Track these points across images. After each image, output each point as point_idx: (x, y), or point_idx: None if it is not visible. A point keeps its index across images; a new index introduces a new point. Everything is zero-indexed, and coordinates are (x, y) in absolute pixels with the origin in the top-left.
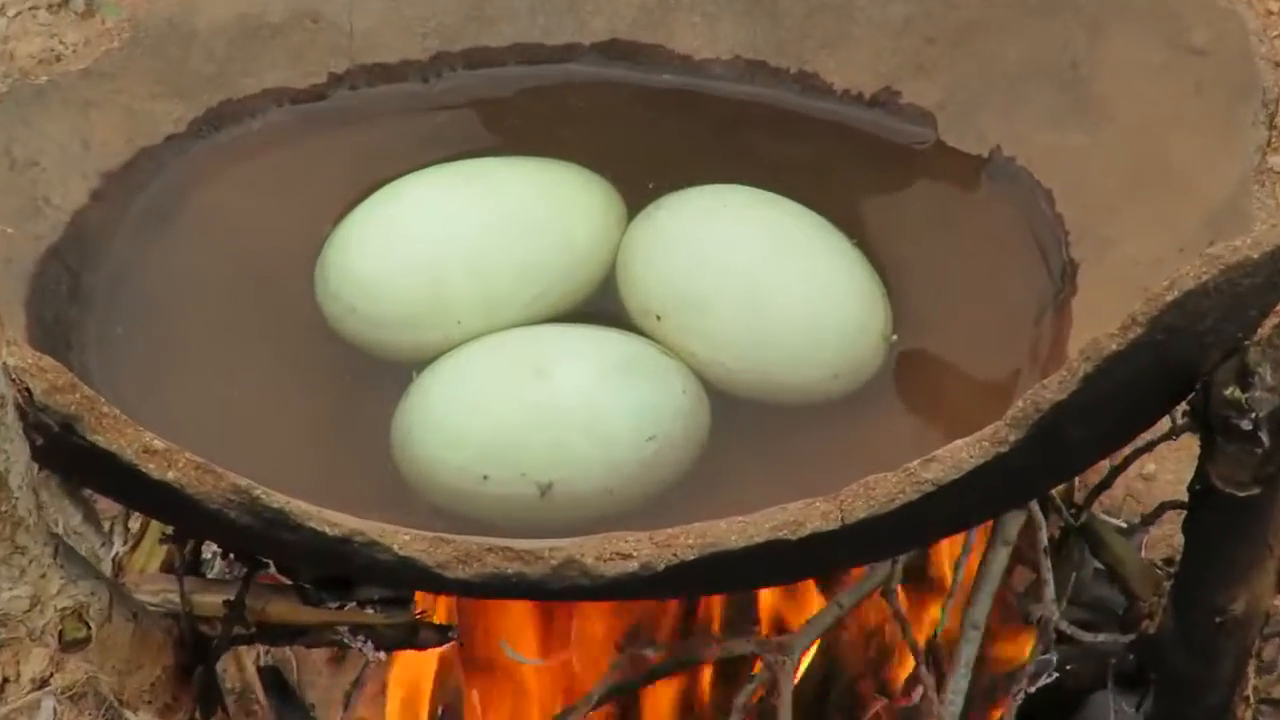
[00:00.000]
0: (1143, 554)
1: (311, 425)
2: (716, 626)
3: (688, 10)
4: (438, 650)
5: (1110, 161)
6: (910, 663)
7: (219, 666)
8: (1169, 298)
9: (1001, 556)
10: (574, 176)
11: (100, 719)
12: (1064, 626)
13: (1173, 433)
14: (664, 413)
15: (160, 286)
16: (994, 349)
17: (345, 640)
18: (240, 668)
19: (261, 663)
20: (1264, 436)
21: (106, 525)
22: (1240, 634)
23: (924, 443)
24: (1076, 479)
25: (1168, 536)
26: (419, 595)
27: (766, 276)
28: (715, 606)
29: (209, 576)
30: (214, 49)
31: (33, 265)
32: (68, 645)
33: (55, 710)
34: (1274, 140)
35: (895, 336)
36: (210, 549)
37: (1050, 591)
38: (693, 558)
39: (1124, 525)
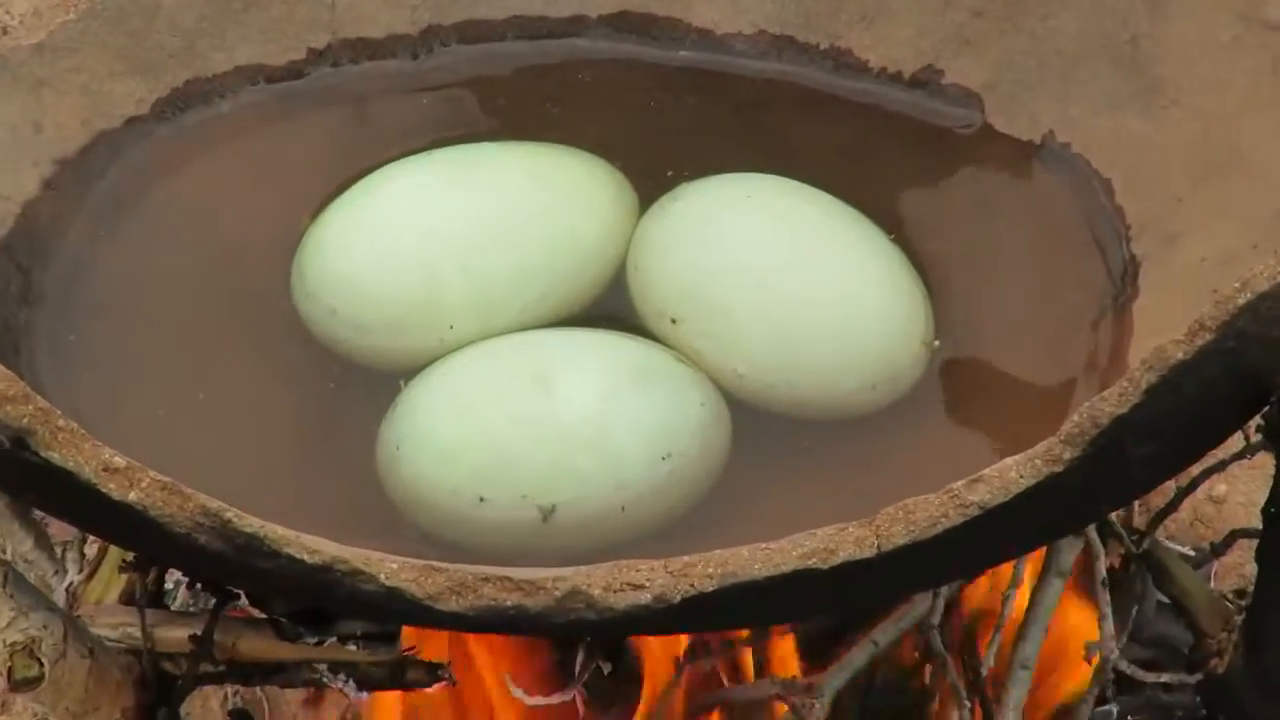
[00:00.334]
0: (1211, 585)
1: (288, 441)
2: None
3: None
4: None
5: (1176, 148)
6: (953, 706)
7: (184, 708)
8: (1241, 300)
9: (1055, 589)
10: (580, 164)
11: None
12: (1123, 666)
13: (1246, 451)
14: (680, 428)
15: (120, 286)
16: (1047, 357)
17: (324, 679)
18: (207, 709)
19: (230, 704)
20: None
21: (60, 551)
22: None
23: (969, 461)
24: (1139, 502)
25: (1239, 565)
26: (407, 630)
27: (795, 276)
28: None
29: (173, 608)
30: (180, 21)
31: None
32: (17, 684)
33: None
34: None
35: (938, 343)
36: (175, 578)
37: (1109, 627)
38: (712, 589)
39: (1191, 553)
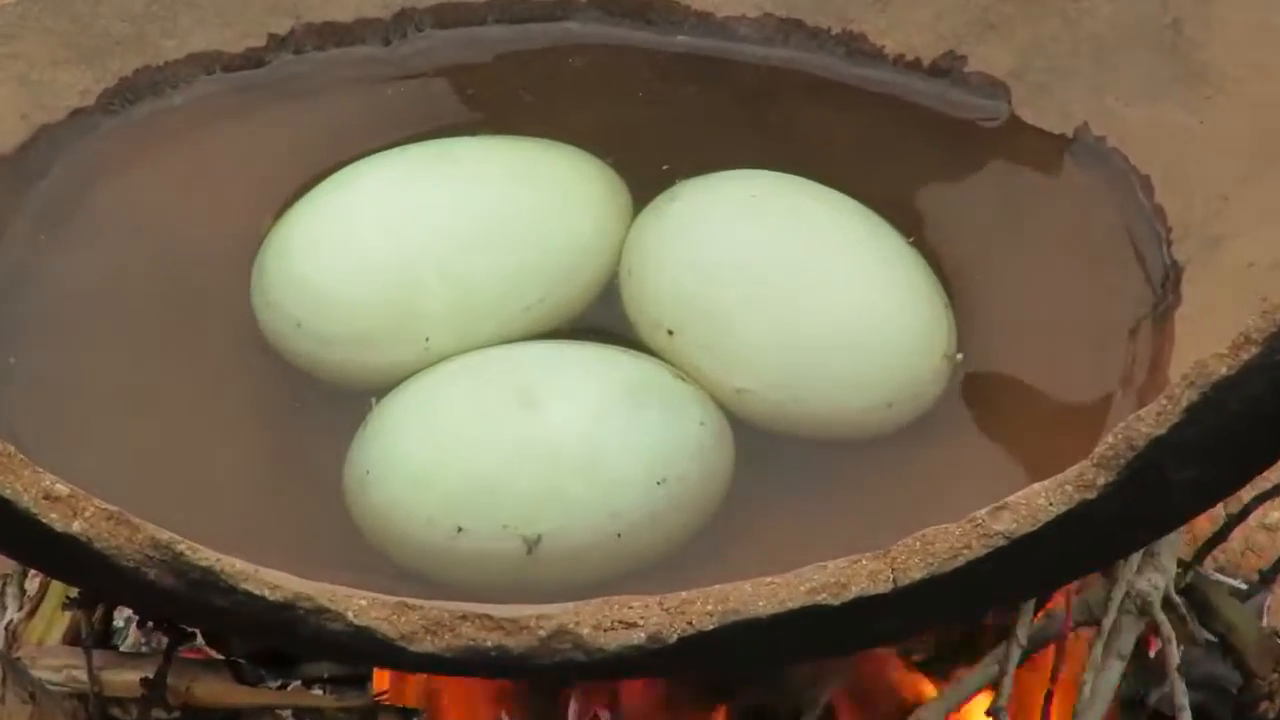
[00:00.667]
0: (1263, 621)
1: (248, 466)
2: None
3: None
4: None
5: (1222, 142)
6: None
7: None
8: None
9: (1114, 671)
10: (568, 161)
11: None
12: (1165, 709)
13: None
14: (678, 450)
15: (63, 295)
16: (1079, 371)
17: None
18: None
19: None
20: None
21: None
22: None
23: (993, 486)
24: (1185, 530)
25: None
26: (378, 673)
27: (804, 283)
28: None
29: (123, 649)
30: (129, 5)
31: None
32: None
33: None
34: None
35: (960, 356)
36: (124, 616)
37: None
38: (712, 627)
39: (1240, 586)
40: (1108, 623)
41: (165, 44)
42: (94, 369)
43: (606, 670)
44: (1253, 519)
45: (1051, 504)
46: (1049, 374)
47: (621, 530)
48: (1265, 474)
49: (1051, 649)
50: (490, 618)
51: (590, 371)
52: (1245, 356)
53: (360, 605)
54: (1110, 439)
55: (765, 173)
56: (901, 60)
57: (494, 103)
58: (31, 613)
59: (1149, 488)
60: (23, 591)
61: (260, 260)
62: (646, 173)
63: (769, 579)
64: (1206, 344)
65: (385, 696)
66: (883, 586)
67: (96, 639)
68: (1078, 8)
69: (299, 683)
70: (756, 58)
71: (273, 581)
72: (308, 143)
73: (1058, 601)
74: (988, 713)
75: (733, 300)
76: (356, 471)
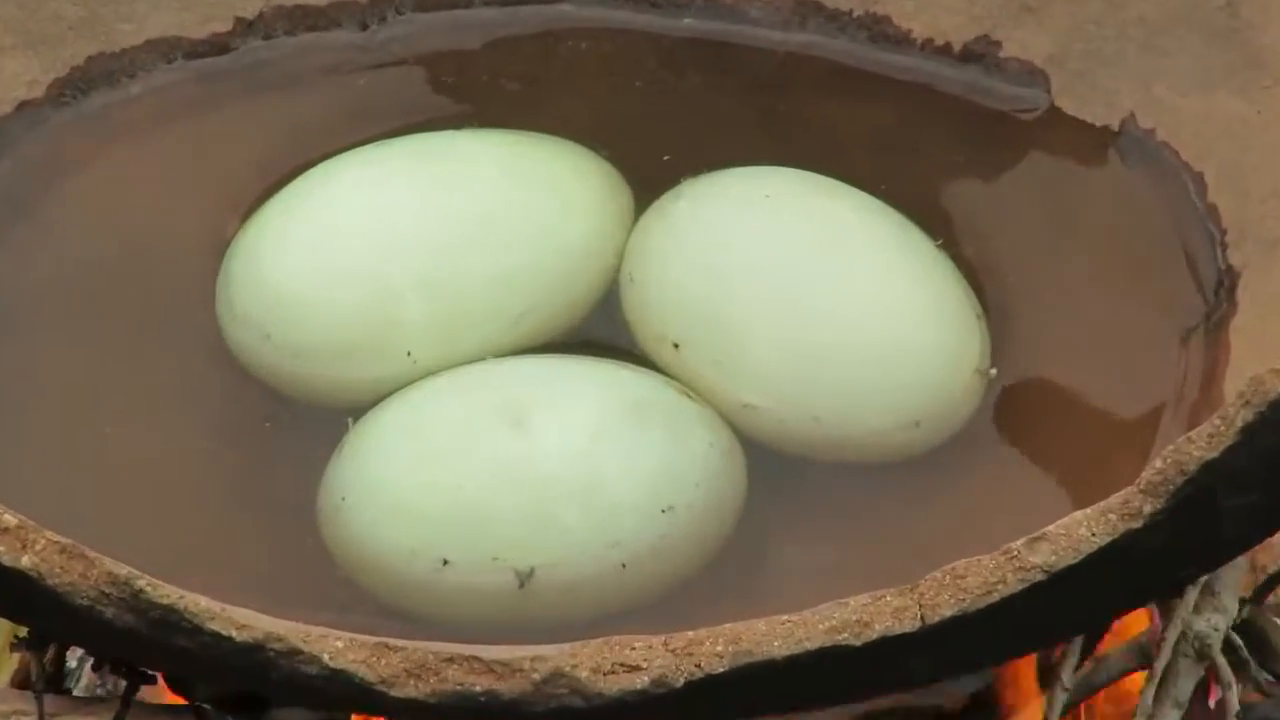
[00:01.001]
0: None
1: (212, 494)
2: None
3: None
4: None
5: None
6: None
7: None
8: None
9: None
10: (564, 156)
11: None
12: None
13: None
14: (684, 475)
15: (11, 303)
16: (1124, 388)
17: None
18: None
19: None
20: None
21: None
22: None
23: (1030, 514)
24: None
25: None
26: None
27: (823, 290)
28: None
29: (76, 693)
30: None
31: None
32: None
33: None
34: None
35: (994, 370)
36: (78, 657)
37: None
38: (723, 670)
39: None
40: (1160, 665)
41: (122, 29)
42: (42, 387)
43: (607, 717)
44: None
45: (1094, 534)
46: (1091, 391)
47: (623, 563)
48: None
49: (1100, 696)
50: (479, 660)
51: (588, 388)
52: None
53: (337, 646)
54: (1158, 463)
55: (780, 169)
56: (930, 45)
57: (482, 93)
58: None
59: (1200, 516)
60: None
61: (226, 266)
62: (649, 170)
63: (785, 617)
64: (1264, 358)
65: None
66: (909, 625)
67: (48, 682)
68: None
69: None
70: (770, 43)
71: (241, 620)
72: (278, 138)
73: (1116, 643)
74: None
75: (744, 310)
76: (332, 499)
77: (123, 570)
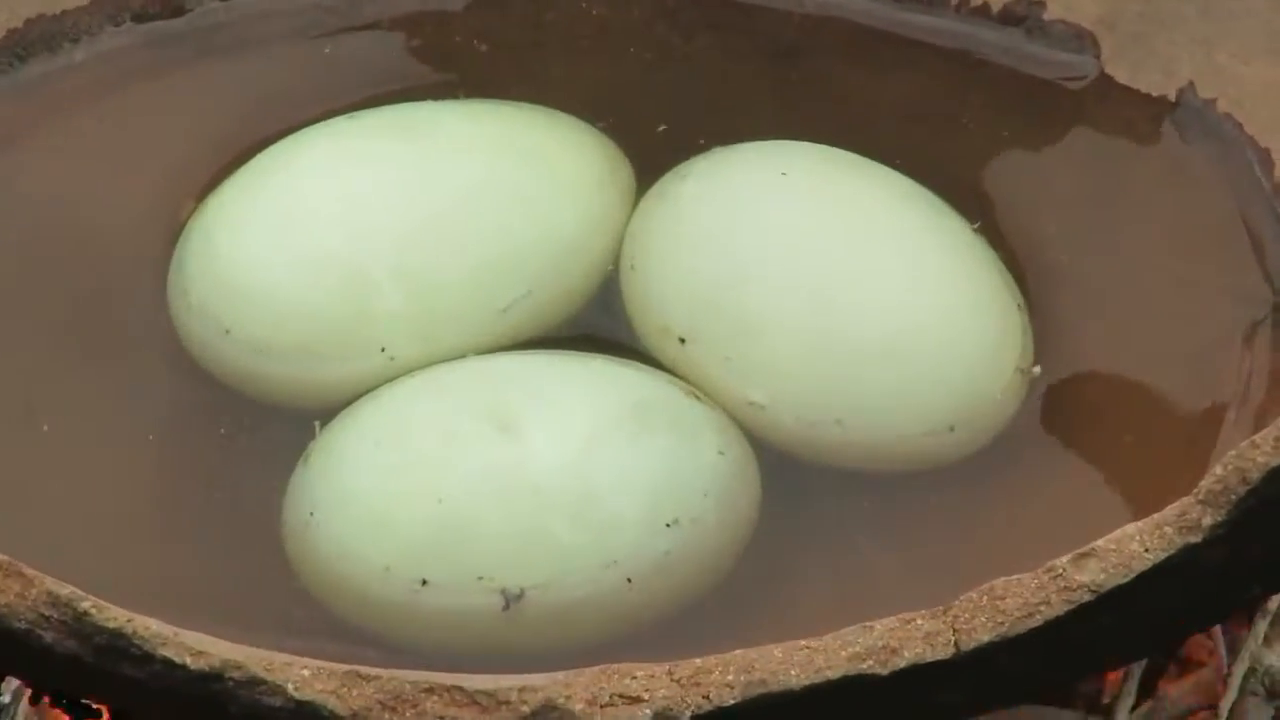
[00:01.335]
0: None
1: (165, 505)
2: None
3: None
4: None
5: None
6: None
7: None
8: None
9: None
10: (558, 130)
11: None
12: None
13: None
14: (691, 485)
15: None
16: (1182, 387)
17: None
18: None
19: None
20: None
21: None
22: None
23: (1077, 528)
24: None
25: None
26: None
27: (846, 279)
28: None
29: None
30: None
31: None
32: None
33: None
34: None
35: (1037, 369)
36: (13, 688)
37: None
38: (733, 702)
39: None
40: (1227, 705)
41: None
42: None
43: None
44: None
45: (1147, 550)
46: (1145, 390)
47: (622, 583)
48: None
49: None
50: (461, 690)
51: (583, 388)
52: None
53: (303, 675)
54: (1219, 470)
55: (798, 144)
56: (966, 6)
57: (465, 60)
58: None
59: (1266, 530)
60: None
61: (179, 253)
62: (653, 145)
63: (803, 643)
64: None
65: None
66: (942, 652)
67: None
68: None
69: None
70: (788, 3)
71: (196, 646)
72: (237, 110)
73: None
74: None
75: (758, 300)
76: (298, 512)
77: (65, 590)
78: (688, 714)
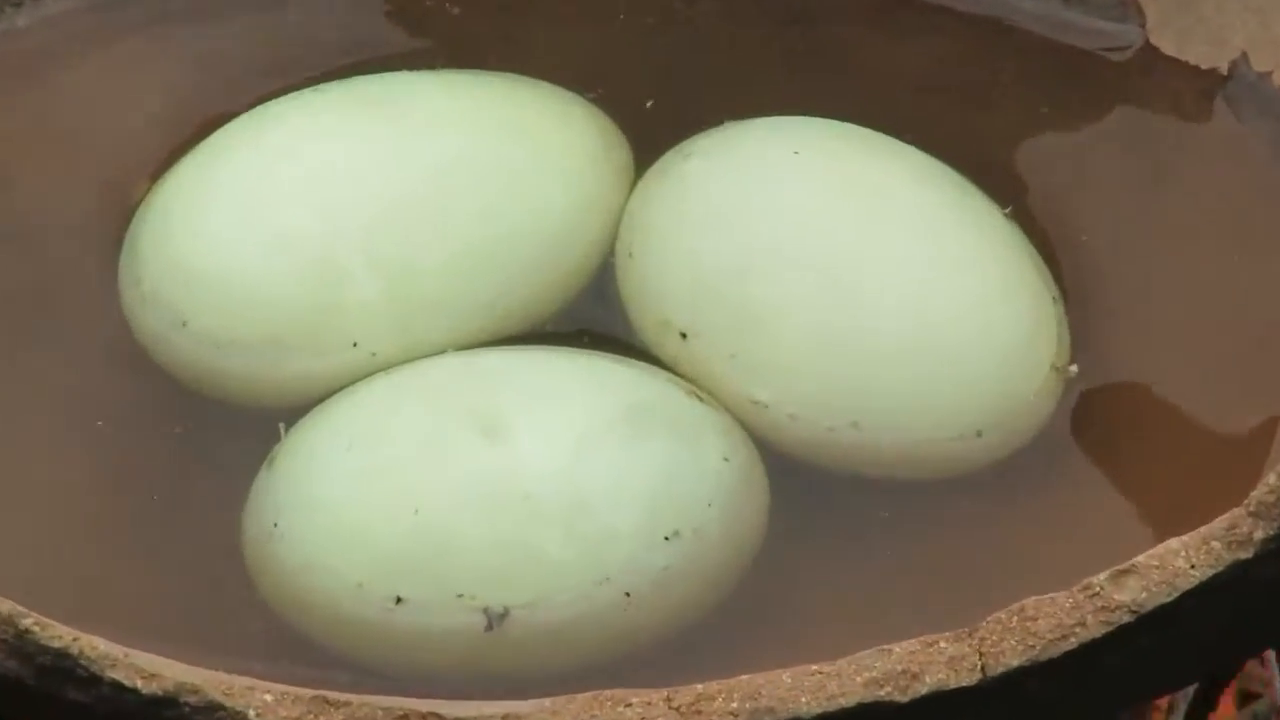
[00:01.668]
0: None
1: (115, 514)
2: None
3: None
4: None
5: None
6: None
7: None
8: None
9: None
10: (549, 104)
11: None
12: None
13: None
14: (693, 494)
15: None
16: (1232, 389)
17: None
18: None
19: None
20: None
21: None
22: None
23: (1116, 542)
24: None
25: None
26: None
27: (863, 268)
28: None
29: None
30: None
31: None
32: None
33: None
34: None
35: (1074, 367)
36: None
37: None
38: None
39: None
40: None
41: None
42: None
43: None
44: None
45: (1194, 566)
46: (1192, 393)
47: (616, 601)
48: None
49: None
50: (439, 717)
51: (575, 388)
52: None
53: (265, 701)
54: (1272, 479)
55: (812, 120)
56: None
57: (444, 26)
58: None
59: None
60: None
61: (132, 237)
62: (652, 120)
63: (815, 667)
64: None
65: None
66: (967, 677)
67: None
68: None
69: None
70: None
71: (148, 668)
72: (194, 81)
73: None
74: None
75: (768, 291)
76: (261, 522)
77: (4, 606)
78: None
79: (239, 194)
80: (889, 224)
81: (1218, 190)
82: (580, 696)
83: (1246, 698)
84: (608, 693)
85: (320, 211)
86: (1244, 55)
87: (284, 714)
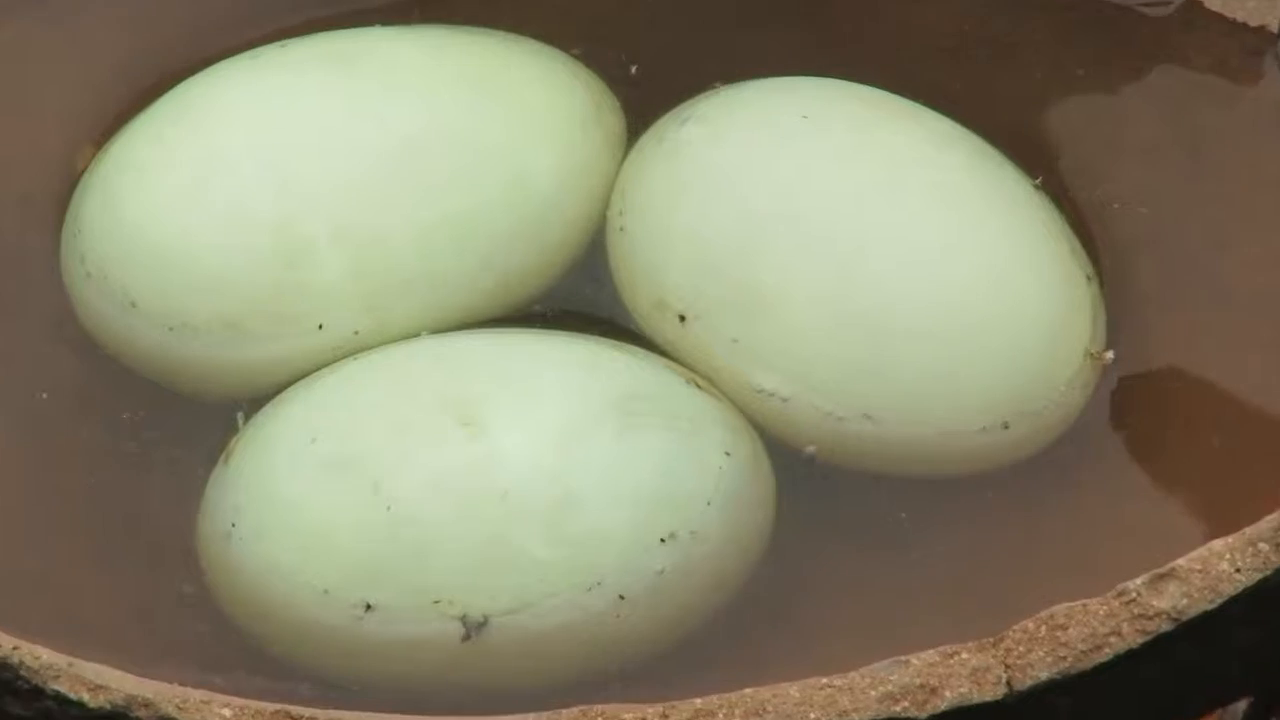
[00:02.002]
0: None
1: (60, 515)
2: None
3: None
4: None
5: None
6: None
7: None
8: None
9: None
10: (533, 63)
11: None
12: None
13: None
14: (692, 492)
15: None
16: (1279, 379)
17: None
18: None
19: None
20: None
21: None
22: None
23: (1155, 544)
24: None
25: None
26: None
27: (879, 245)
28: None
29: None
30: None
31: None
32: None
33: None
34: None
35: (1110, 354)
36: None
37: None
38: None
39: None
40: None
41: None
42: None
43: None
44: None
45: (1238, 570)
46: (1235, 382)
47: (607, 607)
48: None
49: None
50: None
51: (561, 375)
52: None
53: (223, 715)
54: None
55: (823, 80)
56: None
57: None
58: None
59: None
60: None
61: (75, 210)
62: (646, 81)
63: (825, 680)
64: None
65: None
66: (991, 692)
67: None
68: None
69: None
70: None
71: (95, 680)
72: (144, 37)
73: None
74: None
75: (774, 270)
76: (218, 522)
77: None
78: None
79: (192, 163)
80: (907, 196)
81: (1264, 158)
82: (566, 711)
83: None
84: (597, 708)
85: (280, 182)
86: None
87: None
